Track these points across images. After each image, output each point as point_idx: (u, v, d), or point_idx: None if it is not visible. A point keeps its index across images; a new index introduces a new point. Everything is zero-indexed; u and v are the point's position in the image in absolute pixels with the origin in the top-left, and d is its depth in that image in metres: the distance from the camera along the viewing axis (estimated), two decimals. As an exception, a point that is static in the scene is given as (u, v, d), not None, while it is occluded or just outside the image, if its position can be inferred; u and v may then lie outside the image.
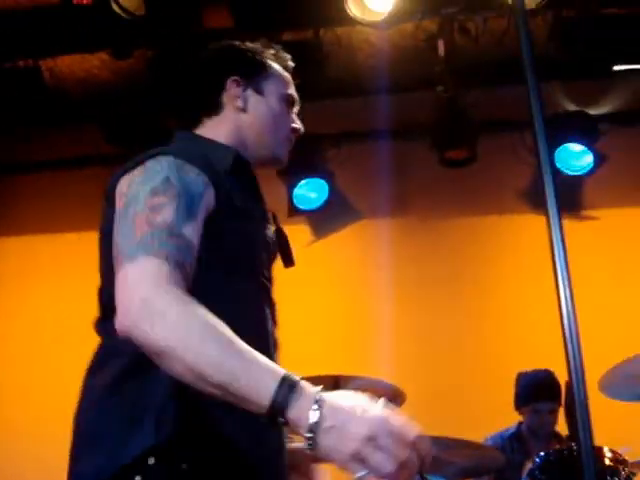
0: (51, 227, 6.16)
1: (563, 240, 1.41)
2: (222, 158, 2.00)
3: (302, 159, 5.34)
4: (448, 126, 5.38)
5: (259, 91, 2.18)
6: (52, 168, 6.21)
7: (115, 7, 4.55)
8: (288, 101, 2.21)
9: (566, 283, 1.39)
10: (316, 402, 1.42)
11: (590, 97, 5.56)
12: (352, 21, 4.62)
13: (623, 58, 4.89)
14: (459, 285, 5.59)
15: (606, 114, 5.67)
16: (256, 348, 1.51)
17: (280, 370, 1.47)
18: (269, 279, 2.01)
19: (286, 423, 1.44)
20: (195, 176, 1.80)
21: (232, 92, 2.15)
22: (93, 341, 1.81)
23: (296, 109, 2.26)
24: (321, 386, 1.47)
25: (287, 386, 1.44)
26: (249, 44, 2.29)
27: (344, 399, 1.45)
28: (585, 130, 5.39)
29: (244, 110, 2.14)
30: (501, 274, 5.70)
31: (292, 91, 2.24)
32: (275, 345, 1.96)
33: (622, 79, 5.39)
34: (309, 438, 1.41)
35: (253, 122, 2.15)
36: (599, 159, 5.30)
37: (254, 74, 2.20)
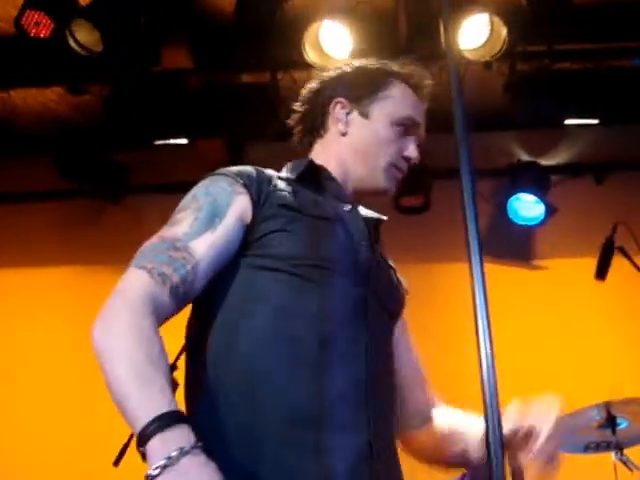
0: (2, 260, 6.07)
1: (485, 290, 1.40)
2: (294, 169, 1.99)
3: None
4: (413, 173, 5.40)
5: (365, 114, 2.08)
6: (5, 201, 6.13)
7: (72, 43, 4.54)
8: (403, 125, 2.07)
9: (487, 338, 1.37)
10: (168, 458, 1.38)
11: (543, 148, 5.66)
12: (310, 65, 4.65)
13: (575, 111, 4.98)
14: (412, 330, 5.58)
15: (558, 165, 5.77)
16: (289, 350, 1.69)
17: (164, 408, 1.43)
18: (351, 278, 1.84)
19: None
20: (225, 187, 1.81)
21: (335, 115, 2.10)
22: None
23: (417, 135, 2.10)
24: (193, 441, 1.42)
25: (155, 427, 1.40)
26: (374, 62, 2.18)
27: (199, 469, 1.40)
28: (537, 181, 5.47)
29: (345, 134, 2.07)
30: (453, 319, 5.72)
31: (412, 114, 2.09)
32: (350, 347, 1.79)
33: (574, 132, 5.50)
34: None
35: (353, 147, 2.07)
36: (550, 210, 5.37)
37: (363, 96, 2.10)
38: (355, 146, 2.06)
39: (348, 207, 1.97)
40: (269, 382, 1.67)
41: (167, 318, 1.65)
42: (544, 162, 5.62)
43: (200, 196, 1.80)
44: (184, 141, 5.25)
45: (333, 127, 2.09)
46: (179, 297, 1.65)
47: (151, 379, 1.47)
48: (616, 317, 5.41)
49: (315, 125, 2.13)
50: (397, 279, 2.12)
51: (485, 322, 1.37)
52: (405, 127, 2.06)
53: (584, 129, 5.32)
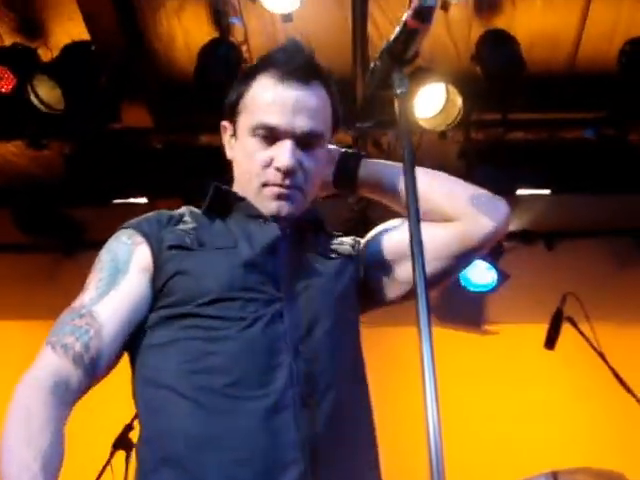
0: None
1: (432, 355, 1.41)
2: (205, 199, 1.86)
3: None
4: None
5: (235, 134, 1.86)
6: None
7: (34, 99, 4.57)
8: (259, 134, 1.78)
9: (434, 403, 1.37)
10: None
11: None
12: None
13: (528, 180, 5.08)
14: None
15: (510, 232, 5.86)
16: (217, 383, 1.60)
17: None
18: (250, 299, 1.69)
19: None
20: (125, 240, 1.77)
21: (224, 142, 1.92)
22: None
23: (283, 136, 1.77)
24: None
25: None
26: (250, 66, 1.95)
27: None
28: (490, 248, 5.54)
29: (232, 160, 1.89)
30: (403, 384, 5.73)
31: (266, 117, 1.77)
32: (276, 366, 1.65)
33: (526, 199, 5.61)
34: None
35: (237, 174, 1.88)
36: (502, 276, 5.43)
37: (232, 113, 1.86)
38: (237, 172, 1.88)
39: (260, 221, 1.79)
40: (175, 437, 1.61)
41: (82, 387, 1.64)
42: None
43: (103, 255, 1.78)
44: (143, 200, 5.27)
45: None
46: (85, 365, 1.62)
47: (23, 464, 1.44)
48: (563, 386, 5.46)
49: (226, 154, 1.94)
50: (340, 263, 1.90)
51: (432, 388, 1.37)
52: (263, 137, 1.78)
53: (535, 197, 5.42)
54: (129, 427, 4.10)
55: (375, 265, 1.96)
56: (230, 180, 1.92)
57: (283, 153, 1.75)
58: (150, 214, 1.85)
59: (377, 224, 1.96)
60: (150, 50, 4.78)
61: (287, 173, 1.76)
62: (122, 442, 4.10)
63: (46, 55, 4.66)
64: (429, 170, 1.93)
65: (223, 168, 4.88)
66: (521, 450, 5.07)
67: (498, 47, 4.58)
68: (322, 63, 1.88)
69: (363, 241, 2.03)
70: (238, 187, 1.87)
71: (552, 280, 5.30)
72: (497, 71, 4.59)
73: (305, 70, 1.80)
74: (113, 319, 1.66)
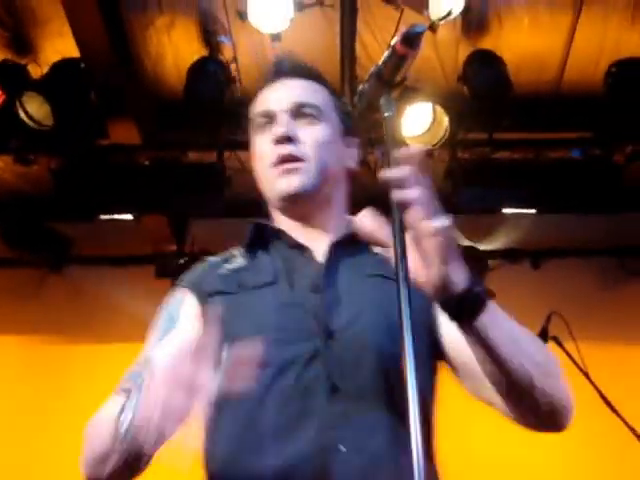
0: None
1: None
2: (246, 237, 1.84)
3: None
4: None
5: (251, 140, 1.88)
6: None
7: (23, 115, 4.60)
8: (259, 125, 1.82)
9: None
10: None
11: (482, 234, 5.78)
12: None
13: (514, 200, 5.11)
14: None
15: (496, 251, 5.90)
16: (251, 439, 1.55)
17: None
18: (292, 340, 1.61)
19: None
20: (176, 295, 1.79)
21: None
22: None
23: (277, 117, 1.79)
24: None
25: None
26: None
27: None
28: (475, 265, 5.57)
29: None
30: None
31: (258, 109, 1.83)
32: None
33: (512, 218, 5.64)
34: None
35: (258, 184, 1.87)
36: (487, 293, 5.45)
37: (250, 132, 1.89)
38: (258, 181, 1.87)
39: (300, 252, 1.75)
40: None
41: None
42: (482, 247, 5.74)
43: (160, 313, 1.79)
44: (129, 217, 5.28)
45: None
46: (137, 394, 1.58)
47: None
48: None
49: None
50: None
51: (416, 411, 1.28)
52: (264, 125, 1.81)
53: (522, 216, 5.45)
54: None
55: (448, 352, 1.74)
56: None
57: (277, 127, 1.77)
58: (195, 267, 1.87)
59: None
60: (139, 67, 4.80)
61: (280, 140, 1.75)
62: None
63: (36, 72, 4.69)
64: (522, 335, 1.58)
65: (210, 185, 4.93)
66: (503, 469, 5.08)
67: (485, 67, 4.63)
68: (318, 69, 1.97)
69: None
70: (268, 202, 1.86)
71: (537, 299, 5.32)
72: (484, 91, 4.64)
73: (294, 69, 1.89)
74: (165, 356, 1.56)
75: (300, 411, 1.54)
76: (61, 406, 5.52)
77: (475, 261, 5.60)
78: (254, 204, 5.88)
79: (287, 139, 1.74)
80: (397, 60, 1.52)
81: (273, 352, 1.54)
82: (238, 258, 1.82)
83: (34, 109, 4.64)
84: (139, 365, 1.65)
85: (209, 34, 4.63)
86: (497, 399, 1.60)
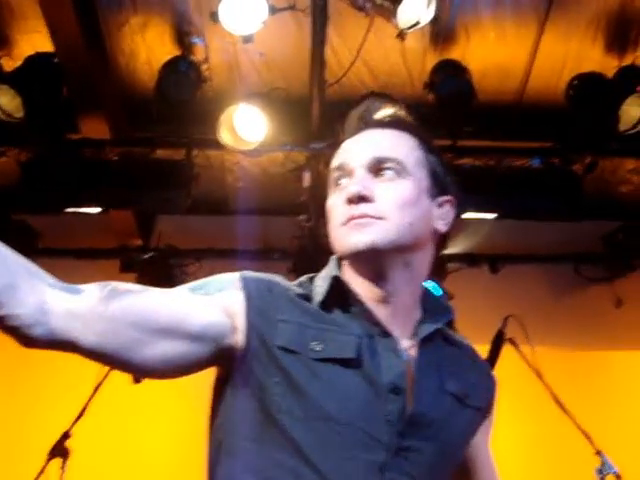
0: None
1: None
2: (320, 286, 1.61)
3: (163, 272, 5.43)
4: (308, 254, 5.56)
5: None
6: None
7: (-6, 107, 4.63)
8: (335, 179, 1.63)
9: None
10: None
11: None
12: (224, 146, 4.80)
13: (475, 205, 5.21)
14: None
15: (455, 255, 6.00)
16: None
17: None
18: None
19: None
20: (226, 277, 1.56)
21: None
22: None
23: (353, 171, 1.59)
24: None
25: None
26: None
27: None
28: (435, 268, 5.66)
29: None
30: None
31: (336, 162, 1.63)
32: None
33: (472, 223, 5.75)
34: None
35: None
36: (446, 297, 5.55)
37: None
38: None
39: (382, 333, 1.55)
40: None
41: None
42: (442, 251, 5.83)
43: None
44: (96, 210, 5.31)
45: None
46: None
47: None
48: (502, 404, 5.56)
49: None
50: (472, 417, 1.67)
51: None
52: (339, 179, 1.62)
53: (481, 221, 5.56)
54: (66, 435, 4.00)
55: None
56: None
57: (352, 184, 1.57)
58: (273, 277, 1.61)
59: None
60: (112, 64, 4.85)
61: (353, 200, 1.54)
62: (58, 450, 3.96)
63: (9, 65, 4.72)
64: None
65: (177, 182, 4.98)
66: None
67: (451, 76, 4.74)
68: (410, 119, 1.78)
69: (494, 404, 1.79)
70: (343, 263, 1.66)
71: (495, 302, 5.42)
72: (449, 99, 4.74)
73: (380, 119, 1.70)
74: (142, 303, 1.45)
75: None
76: (25, 396, 5.56)
77: (435, 265, 5.69)
78: (219, 202, 5.94)
79: (361, 198, 1.54)
80: None
81: (333, 447, 1.44)
82: (313, 301, 1.58)
83: (5, 101, 4.65)
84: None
85: (182, 34, 4.69)
86: None
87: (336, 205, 1.59)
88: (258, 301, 1.51)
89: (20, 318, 1.31)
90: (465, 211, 5.18)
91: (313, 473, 1.41)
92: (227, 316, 1.48)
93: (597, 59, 4.91)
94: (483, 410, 1.69)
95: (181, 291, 1.51)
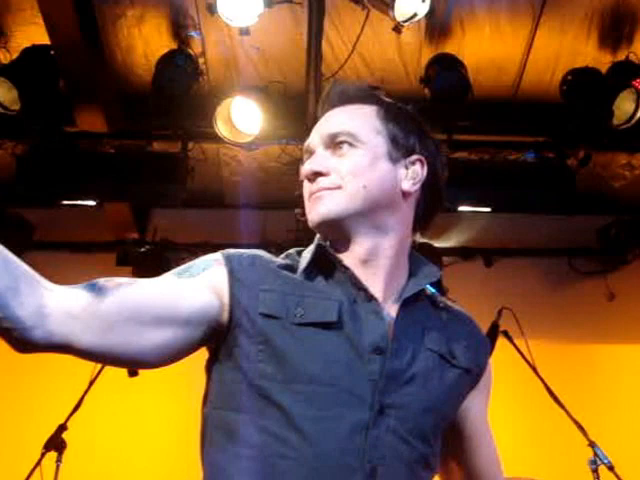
0: None
1: None
2: (305, 257, 1.67)
3: (159, 266, 5.43)
4: (304, 247, 5.53)
5: None
6: None
7: (-11, 99, 4.63)
8: (305, 159, 1.72)
9: None
10: None
11: (437, 231, 5.90)
12: (220, 139, 4.81)
13: (469, 198, 5.24)
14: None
15: (450, 248, 6.03)
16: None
17: None
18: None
19: None
20: (208, 257, 1.61)
21: None
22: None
23: (314, 151, 1.69)
24: None
25: None
26: None
27: None
28: (430, 261, 5.68)
29: None
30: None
31: (304, 147, 1.74)
32: None
33: (467, 217, 5.78)
34: None
35: None
36: (440, 290, 5.58)
37: None
38: None
39: (365, 297, 1.59)
40: None
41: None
42: (437, 244, 5.86)
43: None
44: (92, 203, 5.32)
45: None
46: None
47: None
48: (495, 396, 5.56)
49: None
50: (458, 378, 1.67)
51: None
52: (306, 159, 1.72)
53: (476, 215, 5.59)
54: (62, 427, 4.03)
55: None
56: None
57: (307, 163, 1.68)
58: (253, 251, 1.66)
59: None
60: (109, 57, 4.86)
61: (309, 177, 1.65)
62: (54, 443, 3.99)
63: (5, 58, 4.74)
64: None
65: (173, 175, 4.99)
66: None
67: (446, 71, 4.76)
68: (372, 91, 1.81)
69: (488, 370, 1.79)
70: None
71: (489, 295, 5.43)
72: (444, 93, 4.76)
73: (340, 97, 1.74)
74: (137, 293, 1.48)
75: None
76: (20, 389, 5.58)
77: (430, 258, 5.71)
78: (215, 195, 5.95)
79: (316, 174, 1.63)
80: None
81: (316, 408, 1.47)
82: (296, 271, 1.63)
83: (1, 94, 4.66)
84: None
85: (179, 28, 4.70)
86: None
87: (304, 186, 1.67)
88: (240, 274, 1.56)
89: (20, 320, 1.32)
90: (460, 204, 5.22)
91: (298, 436, 1.44)
92: (215, 294, 1.52)
93: (591, 54, 4.94)
94: (473, 374, 1.70)
95: (168, 279, 1.55)
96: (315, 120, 1.77)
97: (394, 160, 1.66)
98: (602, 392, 5.77)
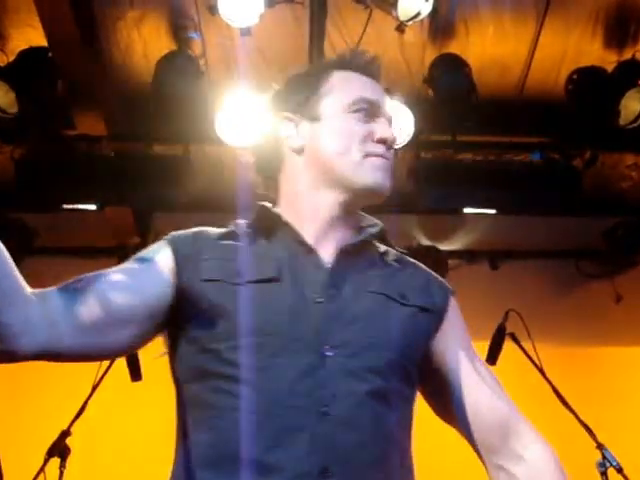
0: None
1: None
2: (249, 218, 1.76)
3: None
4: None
5: (315, 117, 1.73)
6: None
7: (-14, 102, 4.58)
8: (360, 109, 1.71)
9: None
10: None
11: (442, 234, 5.86)
12: (222, 141, 4.75)
13: (475, 200, 5.20)
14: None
15: (455, 251, 5.99)
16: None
17: None
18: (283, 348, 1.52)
19: None
20: (154, 246, 1.67)
21: (284, 134, 1.75)
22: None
23: (382, 114, 1.74)
24: None
25: None
26: (309, 67, 1.96)
27: None
28: (435, 264, 5.65)
29: (301, 149, 1.73)
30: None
31: (364, 94, 1.73)
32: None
33: (472, 219, 5.73)
34: None
35: (315, 158, 1.71)
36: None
37: (306, 100, 1.76)
38: (318, 156, 1.71)
39: (304, 250, 1.65)
40: None
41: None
42: (442, 247, 5.82)
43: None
44: (92, 207, 5.27)
45: (287, 150, 1.75)
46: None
47: None
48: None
49: (270, 162, 1.79)
50: (413, 316, 1.68)
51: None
52: (364, 111, 1.72)
53: (481, 217, 5.54)
54: (65, 433, 3.98)
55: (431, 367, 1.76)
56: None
57: (386, 127, 1.73)
58: (187, 231, 1.72)
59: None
60: (108, 59, 4.81)
61: (388, 143, 1.70)
62: (57, 449, 3.94)
63: (3, 60, 4.68)
64: None
65: (175, 178, 4.94)
66: (456, 464, 5.15)
67: (450, 71, 4.72)
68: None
69: (452, 309, 1.79)
70: (314, 172, 1.71)
71: (495, 298, 5.39)
72: (448, 94, 4.73)
73: (378, 73, 1.84)
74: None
75: (286, 425, 1.48)
76: (23, 394, 5.53)
77: (435, 261, 5.68)
78: (217, 199, 5.91)
79: (393, 145, 1.74)
80: None
81: (262, 358, 1.51)
82: (238, 238, 1.70)
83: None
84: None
85: (179, 29, 4.66)
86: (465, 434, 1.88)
87: (360, 132, 1.70)
88: (184, 250, 1.64)
89: (10, 327, 1.36)
90: (465, 206, 5.17)
91: (248, 388, 1.49)
92: (168, 274, 1.60)
93: (597, 53, 4.88)
94: (433, 313, 1.72)
95: (131, 268, 1.60)
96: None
97: None
98: (610, 394, 5.73)
